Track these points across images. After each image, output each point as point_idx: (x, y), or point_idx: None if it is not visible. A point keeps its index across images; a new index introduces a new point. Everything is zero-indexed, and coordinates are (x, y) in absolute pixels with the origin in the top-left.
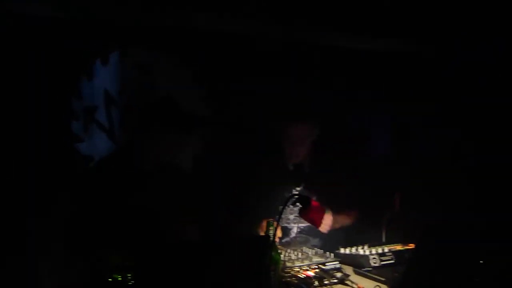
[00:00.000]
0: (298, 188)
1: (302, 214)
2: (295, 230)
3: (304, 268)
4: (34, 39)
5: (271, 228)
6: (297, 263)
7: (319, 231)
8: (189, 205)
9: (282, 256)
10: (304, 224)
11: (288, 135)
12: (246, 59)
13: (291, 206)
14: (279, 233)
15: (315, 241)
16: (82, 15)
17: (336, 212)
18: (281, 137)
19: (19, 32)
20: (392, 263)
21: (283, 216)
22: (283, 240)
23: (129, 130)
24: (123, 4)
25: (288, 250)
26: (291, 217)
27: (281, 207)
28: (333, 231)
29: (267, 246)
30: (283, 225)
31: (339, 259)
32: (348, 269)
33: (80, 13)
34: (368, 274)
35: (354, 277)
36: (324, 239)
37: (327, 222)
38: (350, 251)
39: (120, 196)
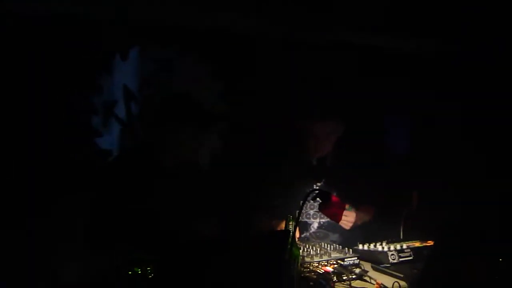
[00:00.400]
0: (319, 184)
1: (322, 209)
2: (315, 225)
3: (323, 263)
4: (54, 34)
5: (290, 223)
6: (316, 259)
7: (339, 226)
8: (208, 202)
9: (301, 251)
10: (324, 220)
11: (313, 131)
12: (267, 57)
13: (311, 201)
14: (297, 233)
15: (335, 236)
16: (102, 12)
17: (355, 207)
18: (304, 133)
19: (40, 28)
20: (411, 259)
21: (303, 211)
22: (302, 235)
23: (148, 125)
24: (142, 2)
25: (307, 246)
26: (311, 212)
27: (301, 202)
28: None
29: (287, 241)
30: (303, 220)
31: (357, 255)
32: (367, 265)
33: (100, 9)
34: (387, 270)
35: (372, 273)
36: (344, 235)
37: (350, 219)
38: (369, 247)
39: (138, 191)
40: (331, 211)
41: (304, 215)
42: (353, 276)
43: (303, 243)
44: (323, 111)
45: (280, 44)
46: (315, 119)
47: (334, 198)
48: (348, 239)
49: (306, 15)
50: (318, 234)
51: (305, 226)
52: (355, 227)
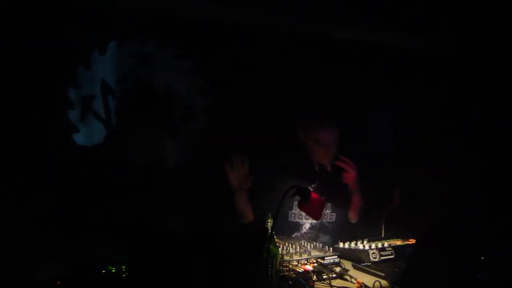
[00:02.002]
0: (313, 186)
1: (302, 206)
2: (307, 226)
3: (303, 262)
4: (29, 25)
5: (268, 220)
6: (296, 257)
7: (330, 228)
8: (185, 199)
9: (280, 249)
10: (316, 221)
11: (319, 139)
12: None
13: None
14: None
15: (325, 238)
16: (80, 2)
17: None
18: (310, 140)
19: (16, 16)
20: (392, 258)
21: (295, 211)
22: (293, 235)
23: (126, 120)
24: None
25: (287, 244)
26: (304, 213)
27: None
28: (341, 228)
29: (265, 239)
30: (295, 220)
31: (338, 254)
32: (347, 264)
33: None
34: (368, 269)
35: (353, 272)
36: (334, 236)
37: (352, 173)
38: (350, 245)
39: (112, 187)
40: (311, 208)
41: (297, 216)
42: (334, 275)
43: (283, 241)
44: (326, 119)
45: (268, 38)
46: (321, 128)
47: (314, 195)
48: (339, 241)
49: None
50: (309, 235)
51: (296, 227)
52: (342, 227)
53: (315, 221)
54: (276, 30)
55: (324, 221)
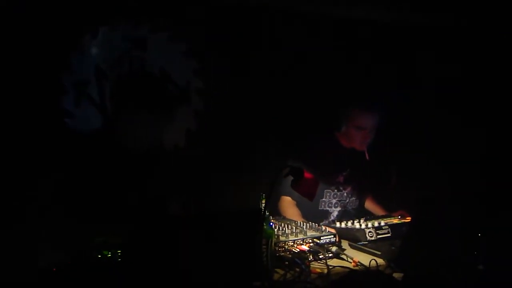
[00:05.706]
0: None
1: (295, 186)
2: (334, 214)
3: (298, 242)
4: (20, 9)
5: (262, 201)
6: (291, 237)
7: (353, 214)
8: (183, 182)
9: (276, 230)
10: (342, 209)
11: (360, 123)
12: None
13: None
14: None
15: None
16: None
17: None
18: (349, 123)
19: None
20: (389, 236)
21: (325, 199)
22: (321, 223)
23: (120, 105)
24: None
25: (282, 224)
26: (333, 201)
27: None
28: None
29: (260, 220)
30: (324, 208)
31: (334, 233)
32: (344, 243)
33: None
34: (364, 248)
35: (349, 251)
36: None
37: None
38: (346, 224)
39: (108, 173)
40: (305, 188)
41: (326, 204)
42: (330, 255)
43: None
44: (368, 103)
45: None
46: (363, 110)
47: (307, 174)
48: None
49: None
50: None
51: (325, 215)
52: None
53: (342, 209)
54: (273, 8)
55: (349, 207)
